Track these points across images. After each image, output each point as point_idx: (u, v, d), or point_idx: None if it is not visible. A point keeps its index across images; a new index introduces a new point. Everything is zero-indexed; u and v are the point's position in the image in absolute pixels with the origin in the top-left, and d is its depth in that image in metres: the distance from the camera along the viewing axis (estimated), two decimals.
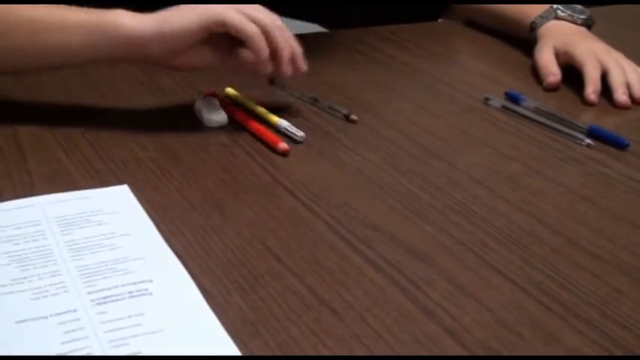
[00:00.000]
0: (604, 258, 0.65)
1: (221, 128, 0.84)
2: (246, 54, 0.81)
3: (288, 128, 0.84)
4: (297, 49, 0.83)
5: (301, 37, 1.10)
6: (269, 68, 0.81)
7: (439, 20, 1.29)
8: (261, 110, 0.87)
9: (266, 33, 0.80)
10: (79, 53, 0.81)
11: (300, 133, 0.83)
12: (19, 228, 0.64)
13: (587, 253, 0.66)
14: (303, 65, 0.84)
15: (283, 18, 1.24)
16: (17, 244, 0.62)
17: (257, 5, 0.82)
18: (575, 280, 0.62)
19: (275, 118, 0.86)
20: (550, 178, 0.79)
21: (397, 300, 0.58)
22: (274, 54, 0.81)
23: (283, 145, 0.79)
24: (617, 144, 0.85)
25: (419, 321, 0.56)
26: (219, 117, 0.85)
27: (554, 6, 1.13)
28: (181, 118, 0.86)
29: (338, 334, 0.54)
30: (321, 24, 1.29)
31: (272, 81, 0.93)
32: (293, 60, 0.83)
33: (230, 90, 0.92)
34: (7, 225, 0.64)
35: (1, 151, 0.77)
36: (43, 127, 0.82)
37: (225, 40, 0.81)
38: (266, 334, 0.54)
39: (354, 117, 0.87)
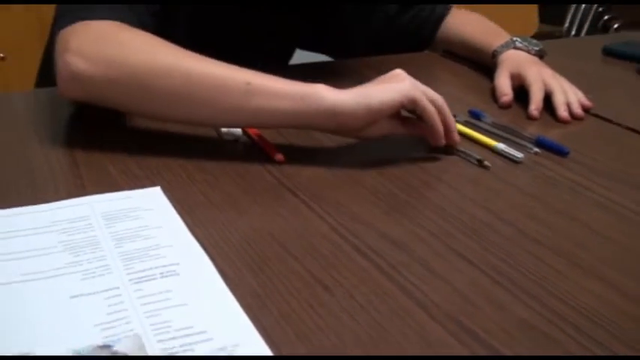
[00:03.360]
0: (547, 245, 0.66)
1: (236, 141, 0.85)
2: (424, 126, 0.81)
3: (506, 150, 0.84)
4: (454, 123, 0.83)
5: (307, 66, 1.12)
6: (443, 141, 0.82)
7: (425, 51, 1.29)
8: (475, 135, 0.89)
9: (439, 109, 0.80)
10: (280, 118, 0.77)
11: (519, 155, 0.83)
12: (72, 222, 0.65)
13: (533, 241, 0.66)
14: (457, 137, 0.84)
15: (299, 51, 1.26)
16: (71, 234, 0.63)
17: (425, 87, 0.80)
18: (524, 263, 0.63)
19: (492, 142, 0.86)
20: (505, 180, 0.79)
21: (378, 280, 0.59)
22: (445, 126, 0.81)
23: (279, 156, 0.79)
24: (559, 152, 0.86)
25: (396, 297, 0.57)
26: (235, 131, 0.85)
27: (514, 38, 1.13)
28: (204, 133, 0.86)
29: (329, 307, 0.55)
30: (329, 54, 1.30)
31: None
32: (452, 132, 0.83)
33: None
34: (62, 219, 0.65)
35: (58, 161, 0.78)
36: (92, 141, 0.83)
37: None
38: (272, 306, 0.55)
39: None
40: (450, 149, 0.84)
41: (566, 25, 3.28)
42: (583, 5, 3.27)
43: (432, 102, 0.80)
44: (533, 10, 2.08)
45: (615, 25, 3.45)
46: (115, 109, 0.82)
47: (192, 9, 1.03)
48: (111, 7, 0.81)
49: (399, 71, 0.81)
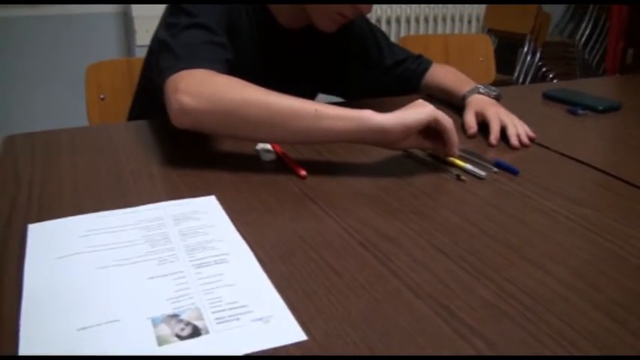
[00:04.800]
0: (502, 240, 0.65)
1: (272, 162, 0.84)
2: (440, 143, 0.82)
3: (472, 169, 0.83)
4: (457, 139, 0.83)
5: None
6: (457, 153, 0.83)
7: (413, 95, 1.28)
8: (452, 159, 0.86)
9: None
10: (340, 135, 0.77)
11: (482, 173, 0.82)
12: (150, 221, 0.65)
13: (491, 238, 0.65)
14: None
15: (321, 95, 1.25)
16: (149, 231, 0.63)
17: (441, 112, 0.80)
18: (484, 255, 0.62)
19: (462, 163, 0.85)
20: (471, 191, 0.78)
21: (376, 267, 0.59)
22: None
23: (303, 173, 0.79)
24: (512, 171, 0.85)
25: (390, 280, 0.56)
26: (271, 155, 0.85)
27: (478, 85, 1.12)
28: (248, 155, 0.86)
29: (339, 287, 0.55)
30: (341, 97, 1.29)
31: None
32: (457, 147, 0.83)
33: None
34: (143, 219, 0.65)
35: (140, 175, 0.78)
36: (166, 161, 0.83)
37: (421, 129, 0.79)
38: (297, 286, 0.54)
39: None
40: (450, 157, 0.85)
41: (516, 74, 3.26)
42: (527, 61, 3.25)
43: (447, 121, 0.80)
44: (491, 64, 2.07)
45: (550, 75, 3.43)
46: (215, 134, 0.83)
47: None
48: (202, 60, 0.82)
49: (421, 100, 0.81)
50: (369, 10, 0.98)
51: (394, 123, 0.77)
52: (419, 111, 0.78)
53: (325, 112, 0.76)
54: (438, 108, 0.80)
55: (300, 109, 0.77)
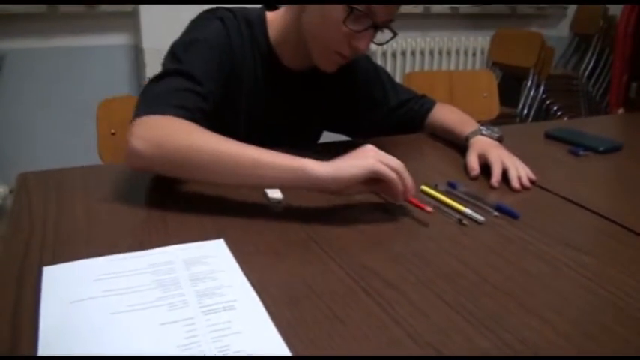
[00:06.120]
0: (501, 288, 0.66)
1: (278, 203, 0.86)
2: (389, 189, 0.81)
3: (471, 214, 0.85)
4: (412, 184, 0.83)
5: (331, 144, 1.13)
6: (402, 200, 0.83)
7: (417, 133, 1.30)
8: (450, 202, 0.89)
9: (399, 174, 0.80)
10: (278, 183, 0.80)
11: (481, 218, 0.84)
12: (161, 265, 0.67)
13: (491, 285, 0.67)
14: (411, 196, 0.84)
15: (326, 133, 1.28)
16: (160, 275, 0.65)
17: (390, 156, 0.81)
18: (483, 303, 0.63)
19: (461, 208, 0.87)
20: (472, 236, 0.80)
21: (379, 314, 0.60)
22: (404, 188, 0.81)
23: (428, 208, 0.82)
24: (512, 216, 0.86)
25: (391, 327, 0.58)
26: (278, 196, 0.87)
27: (480, 127, 1.15)
28: (256, 198, 0.87)
29: (344, 336, 0.56)
30: (348, 135, 1.31)
31: None
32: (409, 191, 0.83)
33: (425, 187, 0.94)
34: (154, 263, 0.67)
35: (152, 219, 0.80)
36: (178, 204, 0.85)
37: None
38: (301, 333, 0.56)
39: None
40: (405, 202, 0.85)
41: (520, 107, 3.30)
42: (531, 94, 3.28)
43: (393, 169, 0.80)
44: (495, 99, 2.10)
45: (554, 107, 3.46)
46: (164, 175, 0.85)
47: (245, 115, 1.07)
48: (168, 106, 0.85)
49: (368, 147, 0.81)
50: (366, 49, 1.00)
51: (330, 179, 0.77)
52: (357, 165, 0.78)
53: (264, 161, 0.78)
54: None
55: (240, 157, 0.79)
